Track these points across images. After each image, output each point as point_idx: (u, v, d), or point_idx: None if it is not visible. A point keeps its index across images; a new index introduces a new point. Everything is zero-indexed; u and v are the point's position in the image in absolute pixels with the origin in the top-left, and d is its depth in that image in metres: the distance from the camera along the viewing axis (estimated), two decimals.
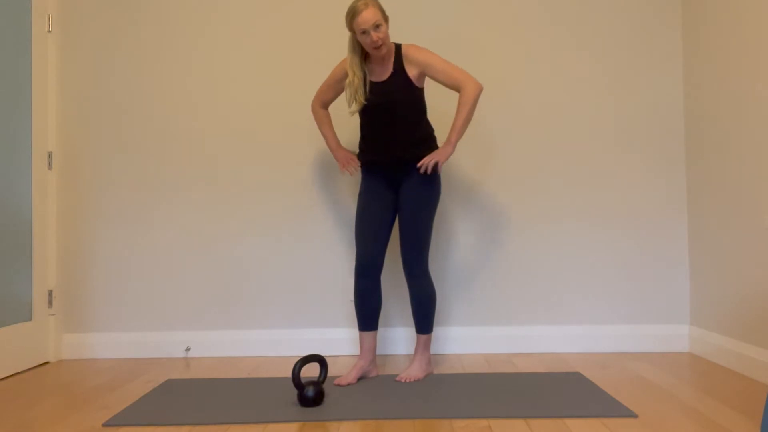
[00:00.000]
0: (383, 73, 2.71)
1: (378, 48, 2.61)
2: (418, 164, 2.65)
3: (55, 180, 3.28)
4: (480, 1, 3.30)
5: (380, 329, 3.22)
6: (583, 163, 3.28)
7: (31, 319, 3.09)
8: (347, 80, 2.70)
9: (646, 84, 3.28)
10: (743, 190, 2.77)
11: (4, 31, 2.96)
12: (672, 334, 3.22)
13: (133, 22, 3.33)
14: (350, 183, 3.27)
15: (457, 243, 3.27)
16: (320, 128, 2.96)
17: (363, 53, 2.71)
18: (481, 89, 2.65)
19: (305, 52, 3.31)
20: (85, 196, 3.31)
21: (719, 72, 2.95)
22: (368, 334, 2.77)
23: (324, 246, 3.28)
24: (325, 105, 2.94)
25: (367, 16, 2.54)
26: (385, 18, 2.62)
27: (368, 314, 2.76)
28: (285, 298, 3.28)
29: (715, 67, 2.98)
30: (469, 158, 3.26)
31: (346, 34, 2.71)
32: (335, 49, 3.28)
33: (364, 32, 2.57)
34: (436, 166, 2.65)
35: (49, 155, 3.26)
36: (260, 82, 3.31)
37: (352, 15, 2.58)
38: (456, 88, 2.67)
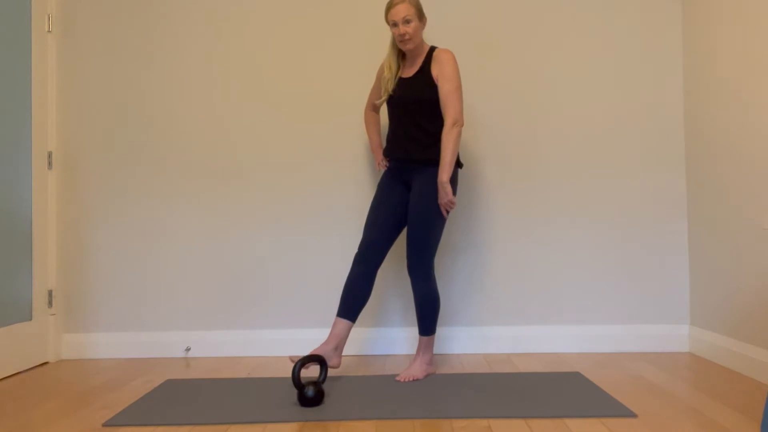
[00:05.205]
0: (411, 70, 2.81)
1: (404, 42, 2.72)
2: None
3: (55, 180, 3.28)
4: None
5: (380, 329, 3.23)
6: (582, 163, 3.28)
7: (31, 319, 3.09)
8: (384, 74, 2.84)
9: (647, 84, 3.28)
10: (743, 191, 2.77)
11: (4, 31, 2.96)
12: (672, 334, 3.22)
13: (133, 22, 3.33)
14: (353, 184, 3.27)
15: (456, 243, 3.27)
16: (366, 130, 3.08)
17: (400, 51, 2.82)
18: (460, 127, 2.68)
19: (304, 51, 3.31)
20: (85, 196, 3.31)
21: (719, 72, 2.94)
22: (341, 321, 2.68)
23: (324, 246, 3.28)
24: (376, 108, 3.04)
25: (400, 9, 2.69)
26: (420, 17, 2.74)
27: (350, 302, 2.69)
28: (285, 298, 3.28)
29: (715, 67, 2.97)
30: (469, 158, 3.26)
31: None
32: (338, 49, 3.29)
33: (395, 24, 2.71)
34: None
35: (49, 155, 3.25)
36: (262, 81, 3.31)
37: (388, 6, 2.73)
38: (443, 114, 2.71)
